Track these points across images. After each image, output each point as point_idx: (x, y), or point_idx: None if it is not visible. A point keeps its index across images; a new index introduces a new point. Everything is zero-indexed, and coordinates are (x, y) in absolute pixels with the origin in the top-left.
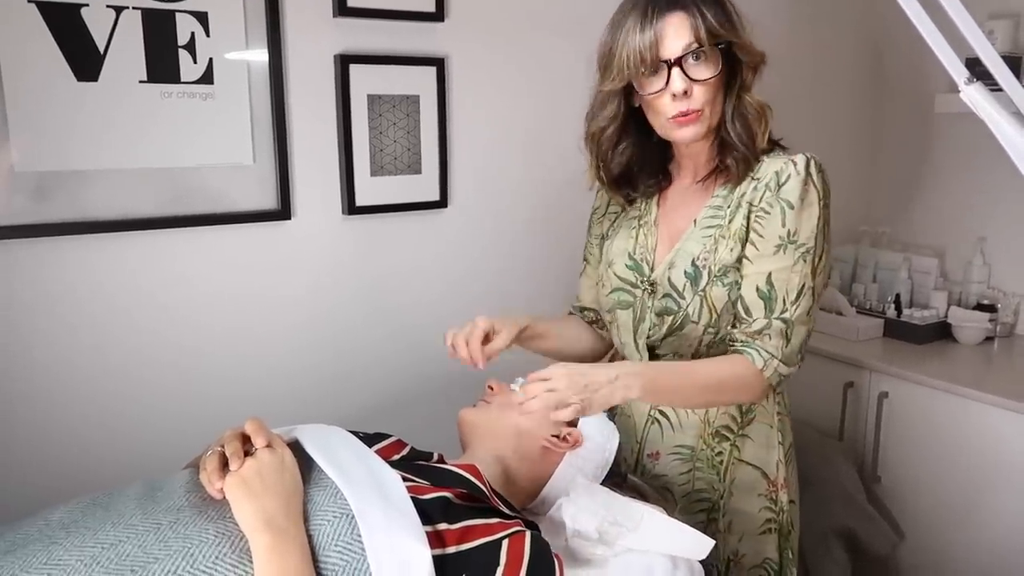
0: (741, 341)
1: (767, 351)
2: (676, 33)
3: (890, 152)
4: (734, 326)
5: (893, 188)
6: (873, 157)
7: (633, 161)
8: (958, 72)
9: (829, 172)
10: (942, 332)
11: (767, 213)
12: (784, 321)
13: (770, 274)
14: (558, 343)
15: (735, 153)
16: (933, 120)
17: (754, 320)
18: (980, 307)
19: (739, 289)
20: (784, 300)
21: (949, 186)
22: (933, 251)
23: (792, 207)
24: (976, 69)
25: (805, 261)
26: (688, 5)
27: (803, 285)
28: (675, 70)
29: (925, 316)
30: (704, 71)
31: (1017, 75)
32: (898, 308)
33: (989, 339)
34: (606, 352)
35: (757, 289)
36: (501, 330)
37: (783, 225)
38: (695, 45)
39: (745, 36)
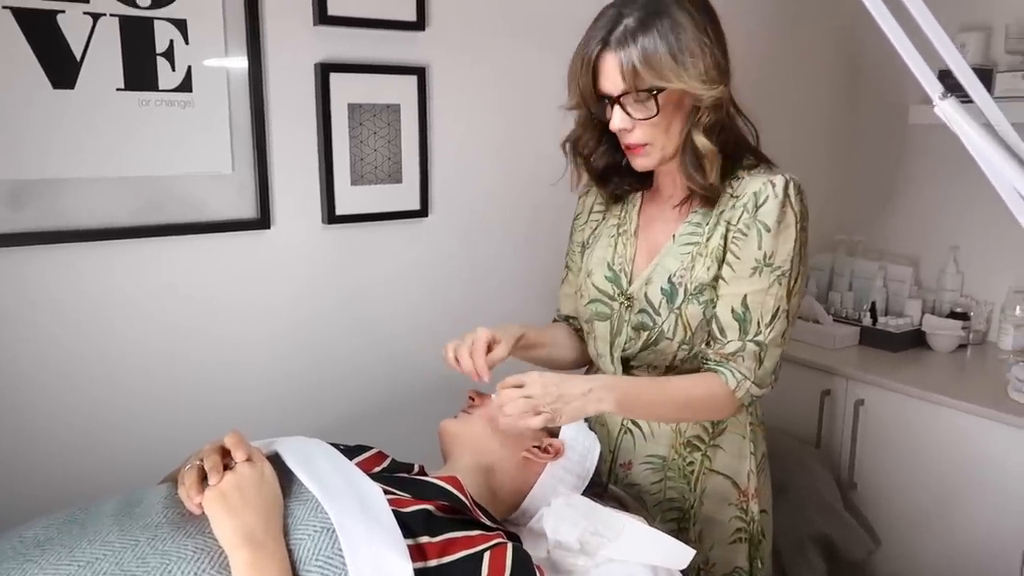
0: (714, 361)
1: (740, 372)
2: (611, 74)
3: (865, 162)
4: (708, 345)
5: (868, 197)
6: (849, 167)
7: (616, 159)
8: (933, 87)
9: (806, 181)
10: (917, 340)
11: (744, 235)
12: (758, 344)
13: (745, 296)
14: (551, 351)
15: (694, 189)
16: (907, 131)
17: (728, 342)
18: (953, 315)
19: (714, 308)
20: (759, 323)
21: (923, 196)
22: (908, 260)
23: (769, 230)
24: (947, 81)
25: (780, 284)
26: (623, 47)
27: (778, 308)
28: (616, 107)
29: (900, 324)
30: (641, 111)
31: (989, 87)
32: (873, 316)
33: (962, 347)
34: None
35: (732, 311)
36: (501, 340)
37: (759, 247)
38: (626, 90)
39: (691, 79)
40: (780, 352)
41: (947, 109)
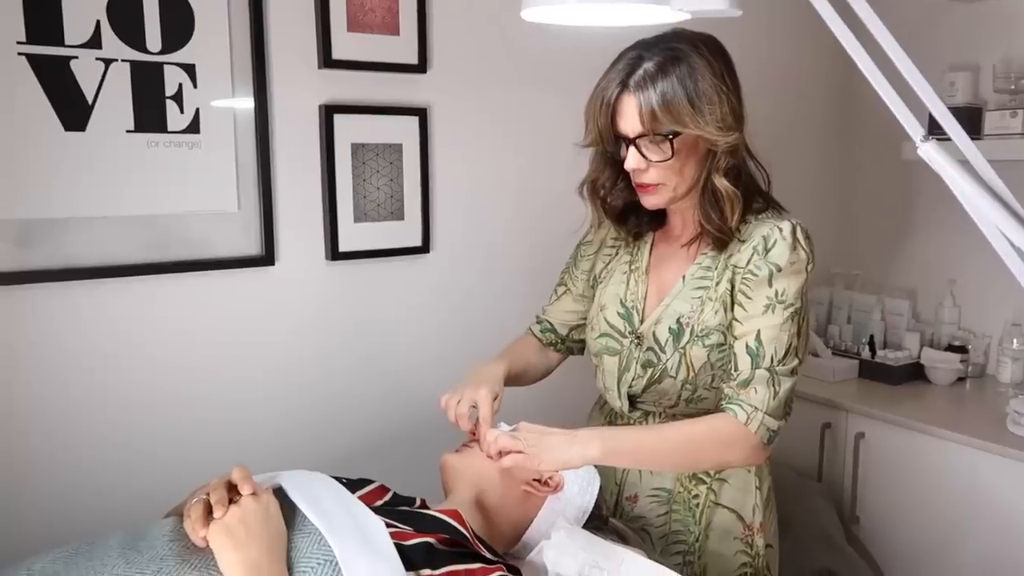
0: (728, 397)
1: (751, 404)
2: (629, 116)
3: (863, 196)
4: (725, 381)
5: (866, 231)
6: (847, 201)
7: (633, 199)
8: (914, 130)
9: (803, 216)
10: (916, 373)
11: (755, 276)
12: (769, 372)
13: (759, 331)
14: (529, 376)
15: (708, 230)
16: (904, 166)
17: (740, 372)
18: (952, 348)
19: (720, 351)
20: (772, 358)
21: (920, 230)
22: (905, 293)
23: (780, 270)
24: (938, 122)
25: (792, 321)
26: (642, 90)
27: (791, 344)
28: (631, 147)
29: (899, 357)
30: (656, 154)
31: (979, 126)
32: (872, 349)
33: (961, 379)
34: (548, 372)
35: (747, 347)
36: (496, 393)
37: (770, 286)
38: (643, 132)
39: (708, 125)
40: (792, 384)
41: (929, 151)
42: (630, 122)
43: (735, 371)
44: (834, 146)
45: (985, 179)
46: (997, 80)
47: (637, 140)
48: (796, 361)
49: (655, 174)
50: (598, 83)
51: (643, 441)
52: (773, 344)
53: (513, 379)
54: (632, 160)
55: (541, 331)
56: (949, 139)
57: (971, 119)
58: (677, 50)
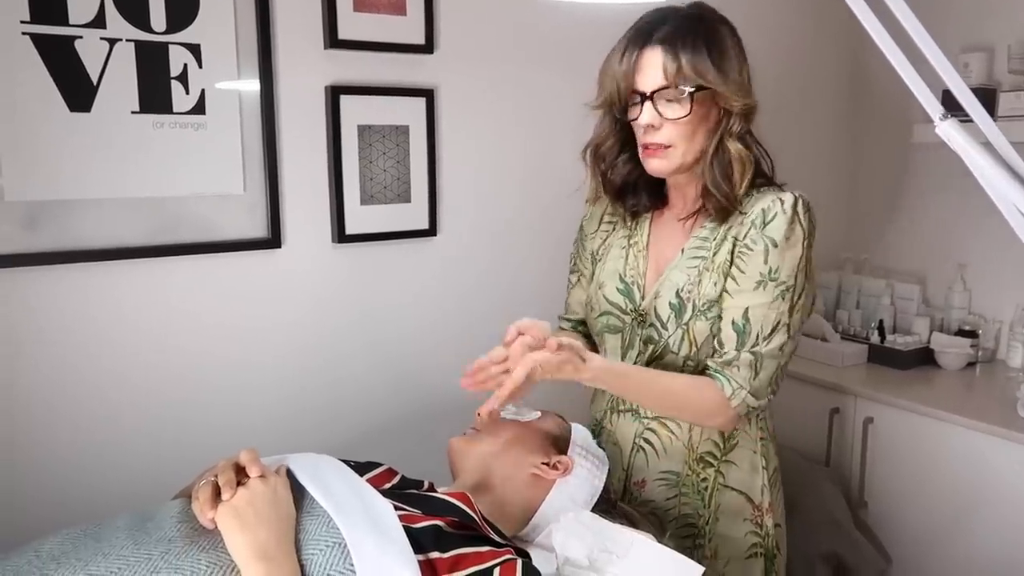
0: (713, 369)
1: (736, 381)
2: (651, 69)
3: (871, 180)
4: (711, 355)
5: (875, 215)
6: (855, 185)
7: (633, 175)
8: (933, 108)
9: (811, 199)
10: (925, 358)
11: (750, 250)
12: (754, 354)
13: (747, 309)
14: None
15: (713, 199)
16: (913, 148)
17: (725, 352)
18: (962, 333)
19: (720, 322)
20: (757, 336)
21: (929, 213)
22: (915, 277)
23: (775, 245)
24: (951, 101)
25: (783, 299)
26: (667, 44)
27: (779, 322)
28: (647, 103)
29: (908, 342)
30: (675, 111)
31: (993, 107)
32: (881, 334)
33: (971, 364)
34: None
35: (733, 322)
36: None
37: (765, 262)
38: (666, 85)
39: (729, 84)
40: (777, 364)
41: (947, 130)
42: (651, 76)
43: (720, 347)
44: (843, 130)
45: (1005, 158)
46: (1012, 61)
47: (655, 95)
48: (785, 338)
49: (667, 134)
50: (620, 40)
51: (634, 377)
52: (760, 322)
53: None
54: (647, 115)
55: (572, 327)
56: (968, 119)
57: (985, 100)
58: (701, 16)
